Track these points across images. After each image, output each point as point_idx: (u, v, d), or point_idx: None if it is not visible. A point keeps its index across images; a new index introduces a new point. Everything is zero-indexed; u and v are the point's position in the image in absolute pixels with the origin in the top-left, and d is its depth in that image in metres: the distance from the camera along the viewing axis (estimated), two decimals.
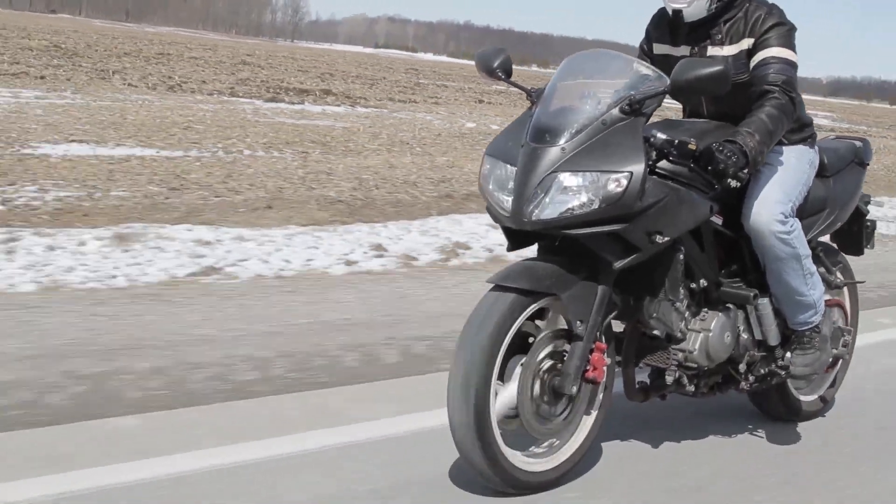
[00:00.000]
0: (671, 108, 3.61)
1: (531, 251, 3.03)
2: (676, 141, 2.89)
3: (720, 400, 3.60)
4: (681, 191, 2.93)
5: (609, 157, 2.76)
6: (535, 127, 2.87)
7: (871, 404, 4.15)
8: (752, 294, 3.26)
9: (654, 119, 3.10)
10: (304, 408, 3.53)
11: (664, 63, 3.21)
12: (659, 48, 3.39)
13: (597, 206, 2.73)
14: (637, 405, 3.35)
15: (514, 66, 3.20)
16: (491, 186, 2.91)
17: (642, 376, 3.29)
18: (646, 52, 3.44)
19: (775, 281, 3.29)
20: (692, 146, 2.89)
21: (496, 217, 2.91)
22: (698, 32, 3.26)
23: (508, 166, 2.87)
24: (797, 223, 3.22)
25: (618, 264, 2.85)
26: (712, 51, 3.24)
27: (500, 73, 3.13)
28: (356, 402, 3.63)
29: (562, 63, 3.06)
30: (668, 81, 2.83)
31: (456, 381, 2.73)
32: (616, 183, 2.73)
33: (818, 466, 3.38)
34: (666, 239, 2.87)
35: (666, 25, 3.36)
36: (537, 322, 2.90)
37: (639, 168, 2.74)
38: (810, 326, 3.39)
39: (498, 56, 3.16)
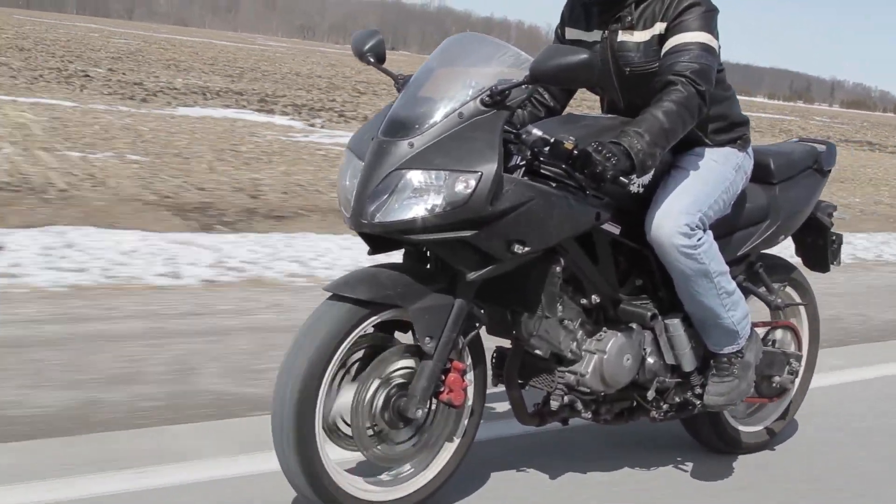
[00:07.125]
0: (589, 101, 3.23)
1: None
2: (553, 139, 2.54)
3: (647, 425, 3.22)
4: (553, 195, 2.57)
5: (461, 154, 2.43)
6: (389, 119, 2.56)
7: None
8: (648, 314, 2.89)
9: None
10: None
11: None
12: (571, 33, 3.02)
13: (441, 210, 2.41)
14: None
15: None
16: (346, 183, 2.62)
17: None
18: (559, 38, 3.08)
19: (687, 300, 2.91)
20: (568, 145, 2.53)
21: (344, 218, 2.61)
22: (609, 15, 2.88)
23: (360, 162, 2.57)
24: (707, 236, 2.83)
25: (472, 276, 2.52)
26: (623, 36, 2.86)
27: (370, 58, 2.82)
28: None
29: (436, 48, 2.72)
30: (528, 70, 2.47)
31: (278, 396, 2.46)
32: (464, 184, 2.41)
33: None
34: (527, 249, 2.52)
35: (580, 8, 2.99)
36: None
37: (490, 167, 2.41)
38: (732, 351, 3.00)
39: (370, 39, 2.84)
